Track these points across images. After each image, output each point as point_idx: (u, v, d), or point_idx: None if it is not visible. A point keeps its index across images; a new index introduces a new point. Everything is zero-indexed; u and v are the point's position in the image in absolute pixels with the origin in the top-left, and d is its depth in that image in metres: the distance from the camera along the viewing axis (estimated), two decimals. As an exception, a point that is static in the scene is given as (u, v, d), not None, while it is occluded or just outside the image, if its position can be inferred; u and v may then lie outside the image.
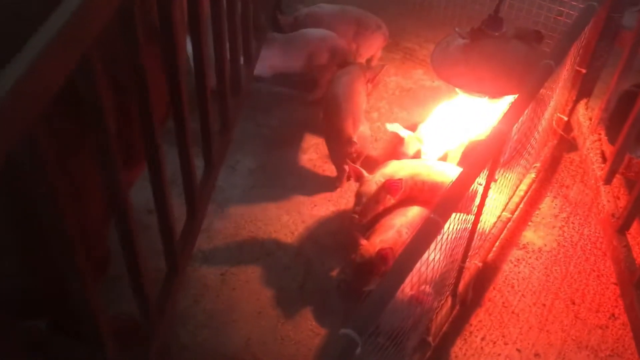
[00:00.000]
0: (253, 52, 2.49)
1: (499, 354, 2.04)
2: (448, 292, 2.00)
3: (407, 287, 1.76)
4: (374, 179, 2.23)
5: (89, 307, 1.14)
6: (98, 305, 1.17)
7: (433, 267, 1.58)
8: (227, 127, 2.15)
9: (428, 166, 2.32)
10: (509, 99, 2.34)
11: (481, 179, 1.66)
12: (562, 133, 2.62)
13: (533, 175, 2.51)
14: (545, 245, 2.36)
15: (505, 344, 2.07)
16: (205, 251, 2.32)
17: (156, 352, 1.60)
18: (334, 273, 2.27)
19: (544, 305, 2.17)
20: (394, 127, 2.54)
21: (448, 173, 2.26)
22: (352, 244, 2.16)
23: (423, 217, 2.15)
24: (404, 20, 3.41)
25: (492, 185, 1.78)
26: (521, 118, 1.66)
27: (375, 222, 2.24)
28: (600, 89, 2.55)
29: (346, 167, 2.47)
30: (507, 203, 2.35)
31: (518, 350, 2.05)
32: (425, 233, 1.34)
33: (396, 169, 2.28)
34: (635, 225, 2.01)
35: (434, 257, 1.53)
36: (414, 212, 2.22)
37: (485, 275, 2.23)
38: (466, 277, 2.05)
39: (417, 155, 2.51)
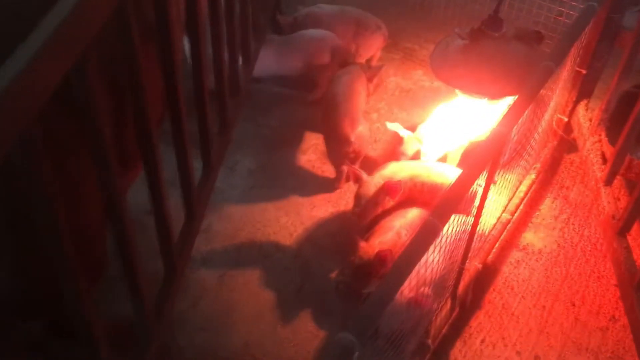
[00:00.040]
0: (252, 53, 2.48)
1: (499, 357, 2.03)
2: (447, 294, 1.99)
3: (406, 290, 1.75)
4: (373, 181, 2.22)
5: (82, 310, 1.13)
6: (92, 309, 1.16)
7: (432, 269, 1.57)
8: (226, 128, 2.13)
9: (427, 167, 2.31)
10: (509, 100, 2.33)
11: (481, 181, 1.65)
12: (562, 134, 2.61)
13: (533, 176, 2.50)
14: (545, 246, 2.35)
15: (505, 346, 2.06)
16: (203, 253, 2.31)
17: (154, 354, 1.60)
18: (333, 275, 2.26)
19: (543, 307, 2.16)
20: (394, 127, 2.53)
21: (448, 174, 2.25)
22: (351, 245, 2.15)
23: (422, 218, 2.14)
24: (404, 20, 3.40)
25: (492, 186, 1.77)
26: (521, 119, 1.65)
27: (374, 223, 2.23)
28: (600, 89, 2.54)
29: (344, 168, 2.46)
30: (507, 204, 2.34)
31: (518, 352, 2.04)
32: (424, 235, 1.33)
33: (395, 170, 2.27)
34: (635, 226, 2.00)
35: (433, 259, 1.52)
36: (413, 214, 2.21)
37: (485, 277, 2.22)
38: (466, 278, 2.04)
39: (416, 156, 2.50)
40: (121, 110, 1.43)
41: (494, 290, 2.21)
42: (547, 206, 2.50)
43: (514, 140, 2.06)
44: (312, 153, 2.71)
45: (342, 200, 2.51)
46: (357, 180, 2.26)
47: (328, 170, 2.62)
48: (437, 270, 1.64)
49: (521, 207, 2.44)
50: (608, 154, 2.27)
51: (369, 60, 3.09)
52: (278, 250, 2.33)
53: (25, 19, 1.06)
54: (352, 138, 2.41)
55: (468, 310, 2.14)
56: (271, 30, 3.08)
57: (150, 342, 1.59)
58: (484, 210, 1.80)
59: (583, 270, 2.27)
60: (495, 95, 2.31)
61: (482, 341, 2.07)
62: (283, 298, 2.19)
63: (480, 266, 2.13)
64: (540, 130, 2.26)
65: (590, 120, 2.45)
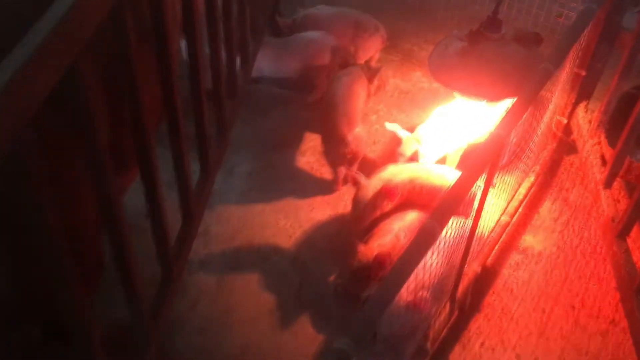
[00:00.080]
0: (250, 54, 2.47)
1: (498, 360, 2.02)
2: (446, 298, 1.98)
3: (405, 293, 1.74)
4: (371, 184, 2.21)
5: (77, 315, 1.12)
6: (87, 314, 1.15)
7: (431, 273, 1.56)
8: (223, 131, 2.13)
9: (427, 170, 2.30)
10: (508, 102, 2.32)
11: (479, 183, 1.64)
12: (562, 136, 2.60)
13: (532, 178, 2.49)
14: (545, 249, 2.34)
15: (505, 350, 2.04)
16: (201, 255, 2.30)
17: (152, 357, 1.59)
18: (332, 278, 2.25)
19: (543, 310, 2.15)
20: (393, 127, 2.52)
21: (447, 177, 2.24)
22: (350, 248, 2.14)
23: (421, 221, 2.13)
24: (403, 22, 3.39)
25: (491, 189, 1.76)
26: (519, 122, 1.64)
27: (373, 226, 2.22)
28: (600, 90, 2.53)
29: (342, 170, 2.46)
30: (506, 206, 2.33)
31: (517, 356, 2.03)
32: (423, 239, 1.32)
33: (394, 173, 2.26)
34: (635, 229, 1.99)
35: (432, 262, 1.51)
36: (412, 216, 2.20)
37: (484, 280, 2.21)
38: (465, 282, 2.03)
39: (414, 156, 2.49)
40: (118, 113, 1.42)
41: (493, 293, 2.20)
42: (547, 208, 2.49)
43: (513, 143, 2.05)
44: (310, 155, 2.70)
45: (340, 202, 2.50)
46: (355, 183, 2.25)
47: (327, 173, 2.61)
48: (435, 273, 1.63)
49: (520, 209, 2.43)
50: (608, 156, 2.26)
51: (367, 62, 3.08)
52: (276, 253, 2.32)
53: (25, 19, 1.05)
54: (349, 139, 2.40)
55: (467, 313, 2.12)
56: (270, 32, 3.07)
57: (147, 345, 1.58)
58: (483, 213, 1.79)
59: (583, 273, 2.26)
60: (494, 98, 2.30)
61: (482, 345, 2.05)
62: (281, 301, 2.18)
63: (479, 269, 2.12)
64: (539, 132, 2.25)
65: (590, 122, 2.44)
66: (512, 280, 2.24)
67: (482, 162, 1.51)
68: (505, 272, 2.27)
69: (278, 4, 3.19)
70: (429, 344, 1.91)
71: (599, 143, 2.34)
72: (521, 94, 1.65)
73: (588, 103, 2.51)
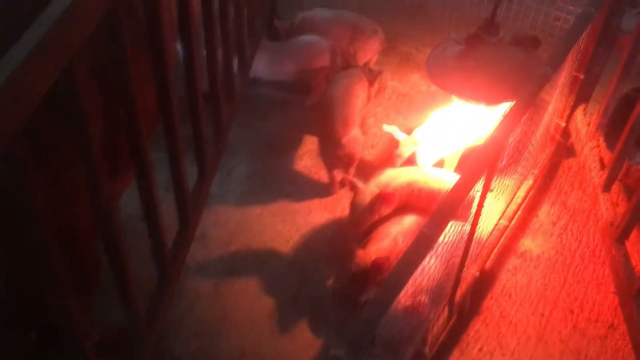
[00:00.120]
0: (247, 57, 2.46)
1: (497, 365, 2.01)
2: (445, 302, 1.97)
3: (403, 298, 1.73)
4: (369, 189, 2.20)
5: (70, 322, 1.11)
6: (81, 321, 1.14)
7: (429, 277, 1.55)
8: (220, 134, 2.12)
9: (424, 174, 2.29)
10: (506, 105, 2.31)
11: (478, 187, 1.63)
12: (560, 139, 2.59)
13: (531, 181, 2.48)
14: (544, 253, 2.33)
15: (503, 354, 2.03)
16: (199, 259, 2.29)
17: (148, 361, 1.58)
18: (330, 282, 2.24)
19: (542, 314, 2.14)
20: (391, 129, 2.52)
21: (445, 180, 2.23)
22: (348, 252, 2.13)
23: (419, 225, 2.12)
24: (401, 24, 3.39)
25: (489, 193, 1.75)
26: (517, 126, 1.63)
27: (371, 229, 2.21)
28: (598, 93, 2.52)
29: (337, 172, 2.45)
30: (505, 210, 2.32)
31: (516, 360, 2.02)
32: (421, 244, 1.31)
33: (392, 177, 2.25)
34: (634, 233, 1.98)
35: (430, 266, 1.50)
36: (410, 220, 2.19)
37: (483, 284, 2.20)
38: (463, 286, 2.02)
39: (412, 158, 2.48)
40: (113, 116, 1.41)
41: (491, 297, 2.19)
42: (545, 212, 2.48)
43: (511, 146, 2.04)
44: (308, 158, 2.69)
45: (338, 206, 2.49)
46: (353, 188, 2.24)
47: (325, 176, 2.60)
48: (434, 277, 1.62)
49: (519, 213, 2.42)
50: (606, 160, 2.25)
51: (366, 64, 3.07)
52: (274, 257, 2.31)
53: (23, 19, 1.04)
54: (344, 141, 2.39)
55: (466, 318, 2.11)
56: (268, 35, 3.07)
57: (143, 349, 1.57)
58: (481, 217, 1.78)
59: (581, 277, 2.25)
60: (492, 102, 2.29)
61: (480, 350, 2.04)
62: (279, 305, 2.17)
63: (477, 273, 2.11)
64: (537, 135, 2.24)
65: (588, 125, 2.43)
66: (510, 285, 2.23)
67: (480, 166, 1.50)
68: (503, 276, 2.26)
69: (275, 7, 3.19)
70: (427, 349, 1.90)
71: (598, 146, 2.34)
72: (519, 97, 1.64)
73: (586, 106, 2.50)
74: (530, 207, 2.48)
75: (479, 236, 1.99)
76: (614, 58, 2.35)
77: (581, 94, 2.47)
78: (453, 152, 2.55)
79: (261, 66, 2.79)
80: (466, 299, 2.09)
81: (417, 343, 1.86)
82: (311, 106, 2.87)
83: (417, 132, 2.54)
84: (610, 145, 2.24)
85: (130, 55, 1.27)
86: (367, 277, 2.03)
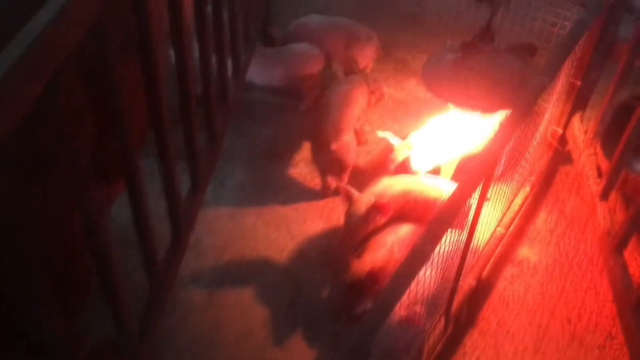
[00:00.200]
0: (242, 63, 2.44)
1: (494, 376, 1.99)
2: (441, 312, 1.95)
3: (399, 308, 1.70)
4: (364, 198, 2.18)
5: (57, 337, 1.08)
6: (68, 335, 1.11)
7: (425, 287, 1.53)
8: (214, 141, 2.09)
9: (420, 182, 2.27)
10: (502, 114, 2.29)
11: (474, 198, 1.61)
12: (557, 146, 2.58)
13: (528, 189, 2.46)
14: (541, 261, 2.31)
15: (500, 365, 2.01)
16: (192, 268, 2.26)
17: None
18: (324, 292, 2.21)
19: (539, 324, 2.11)
20: (385, 134, 2.50)
21: (440, 189, 2.21)
22: (343, 263, 2.10)
23: (415, 234, 2.10)
24: (396, 31, 3.37)
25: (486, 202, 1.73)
26: (513, 135, 1.62)
27: (366, 239, 2.19)
28: (596, 100, 2.51)
29: (329, 178, 2.43)
30: (502, 218, 2.30)
31: (513, 371, 2.00)
32: (417, 257, 1.29)
33: (387, 186, 2.23)
34: (632, 242, 1.96)
35: (426, 277, 1.48)
36: (406, 229, 2.16)
37: (480, 294, 2.18)
38: (460, 295, 2.00)
39: (406, 162, 2.46)
40: (104, 119, 1.39)
41: (488, 307, 2.16)
42: (542, 220, 2.46)
43: (507, 154, 2.02)
44: (303, 166, 2.67)
45: (333, 215, 2.46)
46: (348, 197, 2.21)
47: (319, 184, 2.57)
48: (430, 287, 1.59)
49: (516, 220, 2.40)
50: (604, 168, 2.23)
51: (362, 71, 3.06)
52: (268, 266, 2.29)
53: (21, 19, 1.03)
54: (334, 147, 2.37)
55: (462, 328, 2.09)
56: (263, 42, 3.05)
57: (135, 361, 1.54)
58: (477, 225, 1.76)
59: (579, 285, 2.23)
60: (488, 110, 2.27)
61: (477, 360, 2.02)
62: (274, 315, 2.14)
63: (474, 282, 2.08)
64: (534, 142, 2.22)
65: (586, 132, 2.41)
66: (507, 294, 2.20)
67: (476, 175, 1.48)
68: (500, 285, 2.23)
69: (269, 14, 3.17)
70: (423, 359, 1.88)
71: (595, 154, 2.31)
72: (516, 106, 1.62)
73: (584, 113, 2.49)
74: (528, 215, 2.46)
75: (475, 245, 1.97)
76: (611, 65, 2.33)
77: (578, 101, 2.45)
78: (448, 160, 2.52)
79: (255, 71, 2.78)
80: (463, 309, 2.06)
81: (413, 354, 1.84)
82: (306, 112, 2.84)
83: (411, 137, 2.52)
84: (608, 153, 2.22)
85: (120, 62, 1.24)
86: (362, 288, 2.00)
